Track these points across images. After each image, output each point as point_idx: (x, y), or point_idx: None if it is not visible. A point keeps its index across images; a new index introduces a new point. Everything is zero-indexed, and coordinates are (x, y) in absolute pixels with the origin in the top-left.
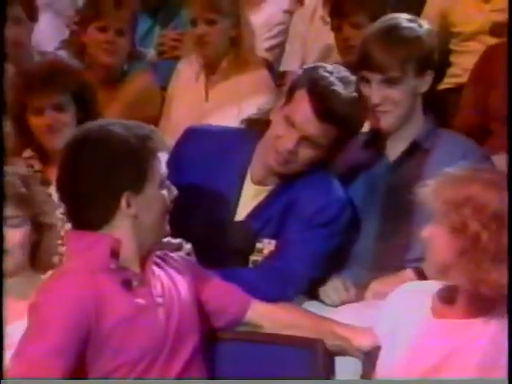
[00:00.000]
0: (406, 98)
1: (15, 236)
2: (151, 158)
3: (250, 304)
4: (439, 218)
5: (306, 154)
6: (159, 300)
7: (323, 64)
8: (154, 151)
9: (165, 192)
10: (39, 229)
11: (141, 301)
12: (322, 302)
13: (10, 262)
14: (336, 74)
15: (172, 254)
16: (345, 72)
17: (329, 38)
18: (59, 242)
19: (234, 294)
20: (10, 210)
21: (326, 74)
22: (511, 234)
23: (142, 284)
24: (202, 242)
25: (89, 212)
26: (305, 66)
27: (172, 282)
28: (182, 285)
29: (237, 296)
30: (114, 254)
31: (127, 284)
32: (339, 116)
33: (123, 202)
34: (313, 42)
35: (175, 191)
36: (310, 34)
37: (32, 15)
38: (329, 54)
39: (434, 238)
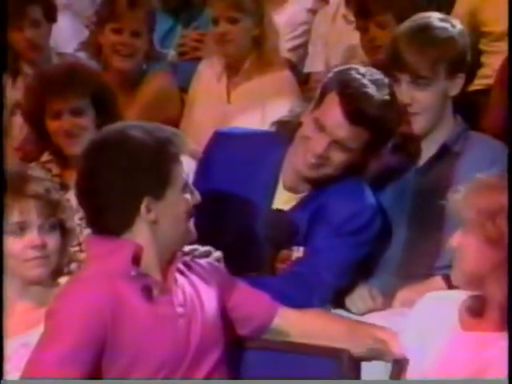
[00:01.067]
0: (437, 101)
1: (53, 241)
2: (172, 162)
3: (278, 311)
4: (471, 226)
5: (337, 157)
6: (180, 310)
7: (356, 66)
8: (176, 155)
9: (188, 196)
10: (62, 233)
11: (161, 310)
12: (348, 310)
13: (45, 269)
14: (369, 76)
15: (199, 261)
16: (378, 75)
17: (352, 37)
18: (77, 248)
19: (261, 301)
20: (46, 216)
21: (358, 76)
22: (511, 234)
23: (162, 292)
24: (233, 249)
25: (108, 217)
26: (336, 69)
27: (195, 290)
28: (207, 294)
29: (264, 303)
30: (135, 260)
31: (147, 292)
32: (371, 119)
33: (143, 208)
34: (336, 42)
35: (198, 196)
36: (333, 34)
37: (50, 16)
38: (353, 54)
39: (465, 246)
